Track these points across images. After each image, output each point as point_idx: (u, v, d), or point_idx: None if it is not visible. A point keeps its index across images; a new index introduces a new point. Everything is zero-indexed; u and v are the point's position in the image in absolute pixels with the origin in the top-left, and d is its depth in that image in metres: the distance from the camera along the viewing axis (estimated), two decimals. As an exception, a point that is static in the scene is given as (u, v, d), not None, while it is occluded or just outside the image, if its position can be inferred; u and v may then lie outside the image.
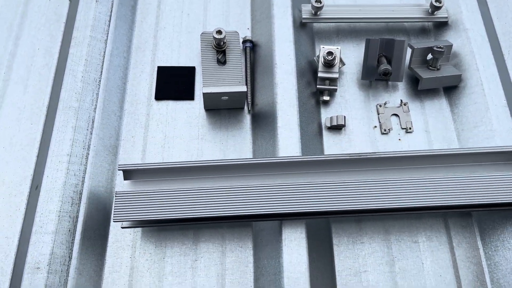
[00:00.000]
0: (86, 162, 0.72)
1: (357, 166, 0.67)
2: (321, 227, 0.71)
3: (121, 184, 0.71)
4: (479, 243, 0.68)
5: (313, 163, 0.67)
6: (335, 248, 0.69)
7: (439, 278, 0.67)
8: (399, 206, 0.64)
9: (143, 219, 0.64)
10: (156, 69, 0.84)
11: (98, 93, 0.78)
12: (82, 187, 0.70)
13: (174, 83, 0.83)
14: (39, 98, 0.80)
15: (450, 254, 0.68)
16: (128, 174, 0.66)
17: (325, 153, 0.76)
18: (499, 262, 0.66)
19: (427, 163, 0.67)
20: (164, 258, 0.69)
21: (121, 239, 0.70)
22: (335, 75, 0.78)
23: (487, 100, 0.75)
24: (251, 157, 0.76)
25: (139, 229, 0.71)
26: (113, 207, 0.66)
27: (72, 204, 0.68)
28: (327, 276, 0.67)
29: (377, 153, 0.66)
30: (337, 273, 0.68)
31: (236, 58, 0.80)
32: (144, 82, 0.83)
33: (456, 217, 0.71)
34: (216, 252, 0.69)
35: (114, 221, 0.63)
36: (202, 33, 0.81)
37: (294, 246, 0.64)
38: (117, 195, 0.65)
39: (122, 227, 0.67)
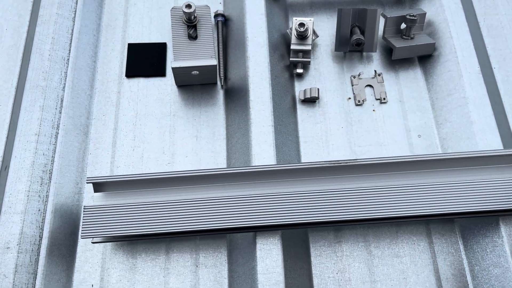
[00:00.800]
0: (56, 142, 0.71)
1: (334, 173, 0.65)
2: (298, 235, 0.69)
3: (90, 195, 0.70)
4: (462, 249, 0.67)
5: (288, 172, 0.65)
6: (313, 256, 0.67)
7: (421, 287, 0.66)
8: (378, 216, 0.61)
9: (113, 235, 0.62)
10: (126, 46, 0.82)
11: (66, 72, 0.76)
12: (52, 166, 0.69)
13: (145, 60, 0.81)
14: (7, 78, 0.79)
15: (431, 261, 0.67)
16: (98, 186, 0.64)
17: (299, 126, 0.75)
18: (482, 269, 0.65)
19: (407, 169, 0.64)
20: (135, 269, 0.68)
21: (90, 248, 0.69)
22: (308, 47, 0.77)
23: (461, 67, 0.74)
24: (224, 133, 0.75)
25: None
26: (80, 223, 0.65)
27: (41, 184, 0.67)
28: (304, 285, 0.66)
29: (356, 160, 0.63)
30: (314, 281, 0.66)
31: (208, 33, 0.78)
32: (115, 60, 0.81)
33: (438, 223, 0.69)
34: (190, 263, 0.68)
35: (82, 238, 0.61)
36: (172, 8, 0.80)
37: (269, 255, 0.62)
38: (85, 209, 0.63)
39: (93, 242, 0.65)
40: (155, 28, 0.84)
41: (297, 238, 0.68)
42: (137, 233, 0.61)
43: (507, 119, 0.73)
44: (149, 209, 0.62)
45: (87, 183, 0.65)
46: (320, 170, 0.65)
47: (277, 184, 0.64)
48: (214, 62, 0.73)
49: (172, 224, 0.62)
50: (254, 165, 0.67)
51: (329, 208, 0.62)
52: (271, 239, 0.64)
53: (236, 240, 0.69)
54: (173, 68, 0.72)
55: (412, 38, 0.78)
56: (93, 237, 0.62)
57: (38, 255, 0.64)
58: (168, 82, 0.79)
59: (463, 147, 0.70)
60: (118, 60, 0.81)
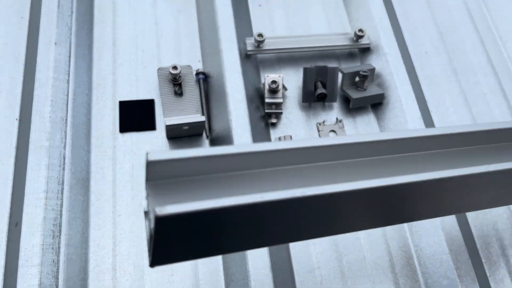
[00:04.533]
0: (62, 197, 0.78)
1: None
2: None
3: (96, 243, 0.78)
4: (408, 233, 0.83)
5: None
6: (291, 251, 0.81)
7: (378, 267, 0.80)
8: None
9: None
10: (117, 103, 0.91)
11: (66, 131, 0.84)
12: (61, 219, 0.76)
13: (136, 116, 0.90)
14: (6, 138, 0.85)
15: (385, 245, 0.82)
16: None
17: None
18: (424, 247, 0.80)
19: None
20: (143, 276, 0.77)
21: (101, 263, 0.77)
22: (280, 100, 0.90)
23: (405, 113, 0.89)
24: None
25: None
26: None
27: (53, 237, 0.74)
28: (287, 276, 0.78)
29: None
30: (295, 272, 0.79)
31: (192, 90, 0.89)
32: (107, 116, 0.90)
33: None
34: (190, 265, 0.78)
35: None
36: (158, 69, 0.90)
37: (257, 253, 0.75)
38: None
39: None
40: (142, 86, 0.94)
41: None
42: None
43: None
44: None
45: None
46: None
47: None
48: (202, 118, 0.84)
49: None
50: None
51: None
52: (264, 271, 0.75)
53: (231, 273, 0.80)
54: (167, 126, 0.83)
55: (365, 90, 0.93)
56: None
57: (56, 302, 0.71)
58: (159, 135, 0.89)
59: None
60: (111, 116, 0.90)
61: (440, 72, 1.00)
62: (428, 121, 0.93)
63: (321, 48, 0.98)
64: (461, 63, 1.01)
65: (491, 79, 1.00)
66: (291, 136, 0.89)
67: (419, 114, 0.90)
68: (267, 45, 0.96)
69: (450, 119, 0.95)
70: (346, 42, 0.99)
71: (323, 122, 0.92)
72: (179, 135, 0.88)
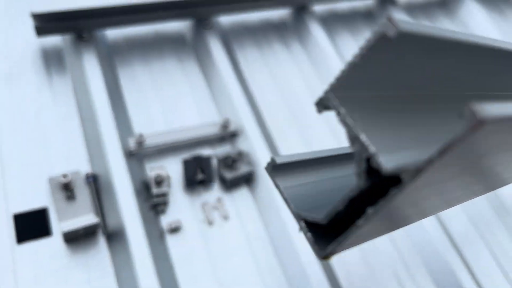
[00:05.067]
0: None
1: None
2: None
3: None
4: None
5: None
6: None
7: None
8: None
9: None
10: (12, 216, 0.97)
11: (-39, 253, 0.87)
12: None
13: (31, 225, 0.97)
14: None
15: None
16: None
17: (171, 252, 1.00)
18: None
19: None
20: None
21: None
22: (166, 190, 1.04)
23: (273, 188, 1.08)
24: (111, 270, 0.95)
25: None
26: None
27: None
28: None
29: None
30: None
31: (83, 193, 0.99)
32: (3, 229, 0.95)
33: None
34: None
35: None
36: (49, 178, 0.98)
37: None
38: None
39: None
40: (35, 195, 1.01)
41: None
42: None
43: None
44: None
45: None
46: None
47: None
48: (96, 219, 0.94)
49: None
50: (144, 294, 0.89)
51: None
52: None
53: None
54: (63, 232, 0.91)
55: (237, 169, 1.11)
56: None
57: None
58: (56, 240, 0.96)
59: (284, 241, 1.03)
60: (7, 229, 0.95)
61: (296, 142, 1.22)
62: (292, 187, 1.13)
63: (196, 139, 1.15)
64: (311, 135, 1.25)
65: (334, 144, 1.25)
66: (179, 220, 1.02)
67: (283, 183, 1.10)
68: (148, 142, 1.10)
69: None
70: (217, 130, 1.17)
71: (206, 202, 1.08)
72: (76, 236, 0.97)
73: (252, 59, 1.36)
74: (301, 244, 1.02)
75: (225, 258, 1.02)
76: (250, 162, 1.14)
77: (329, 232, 0.35)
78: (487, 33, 1.65)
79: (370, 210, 0.30)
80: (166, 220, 1.04)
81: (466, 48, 0.33)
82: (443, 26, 1.67)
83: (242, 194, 1.11)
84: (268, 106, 1.28)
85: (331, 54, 1.37)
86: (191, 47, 1.34)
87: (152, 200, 1.04)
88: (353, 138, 0.29)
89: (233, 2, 1.34)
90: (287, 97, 1.31)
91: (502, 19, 1.82)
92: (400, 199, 0.29)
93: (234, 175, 1.09)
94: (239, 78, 1.28)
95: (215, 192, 1.10)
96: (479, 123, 0.23)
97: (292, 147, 1.21)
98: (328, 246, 0.35)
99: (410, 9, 1.65)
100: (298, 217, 0.38)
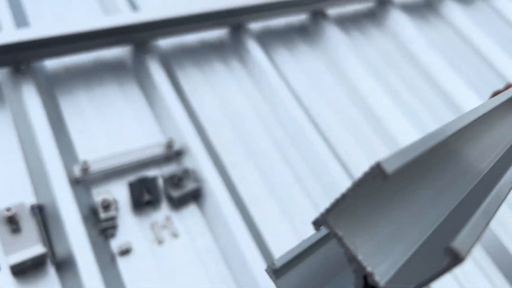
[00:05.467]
0: None
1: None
2: None
3: None
4: None
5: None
6: None
7: None
8: None
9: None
10: (-46, 255, 0.95)
11: None
12: None
13: (-24, 262, 0.96)
14: None
15: None
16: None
17: (123, 277, 1.01)
18: None
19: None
20: None
21: None
22: (113, 214, 1.05)
23: (218, 199, 1.12)
24: (64, 299, 0.95)
25: None
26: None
27: None
28: None
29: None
30: None
31: (29, 224, 0.99)
32: None
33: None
34: None
35: None
36: (-8, 213, 0.98)
37: None
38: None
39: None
40: (-22, 231, 1.00)
41: None
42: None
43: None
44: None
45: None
46: None
47: None
48: (43, 249, 0.94)
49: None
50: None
51: None
52: None
53: None
54: (11, 266, 0.90)
55: (184, 187, 1.14)
56: None
57: None
58: (4, 274, 0.95)
59: (234, 252, 1.07)
60: (-51, 269, 0.94)
61: (240, 156, 1.27)
62: (237, 200, 1.18)
63: (142, 161, 1.17)
64: (255, 148, 1.30)
65: (279, 155, 1.30)
66: (130, 242, 1.04)
67: (229, 195, 1.14)
68: (93, 168, 1.11)
69: (254, 191, 1.21)
70: (162, 150, 1.20)
71: (155, 222, 1.10)
72: (25, 268, 0.96)
73: (194, 79, 1.41)
74: (250, 254, 1.06)
75: (177, 274, 1.04)
76: (196, 179, 1.17)
77: None
78: (414, 40, 1.78)
79: None
80: (115, 244, 1.05)
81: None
82: (373, 36, 1.78)
83: (190, 210, 1.15)
84: (211, 123, 1.32)
85: (269, 69, 1.44)
86: (131, 72, 1.37)
87: (101, 225, 1.05)
88: (351, 258, 0.33)
89: (170, 25, 1.39)
90: (230, 113, 1.36)
91: (427, 25, 1.96)
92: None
93: (181, 193, 1.12)
94: (181, 99, 1.31)
95: (163, 211, 1.13)
96: (460, 261, 0.30)
97: (237, 162, 1.26)
98: None
99: (342, 22, 1.75)
100: None
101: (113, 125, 1.25)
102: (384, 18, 1.85)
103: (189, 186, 1.15)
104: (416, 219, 0.39)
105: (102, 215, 1.04)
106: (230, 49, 1.52)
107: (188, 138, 1.22)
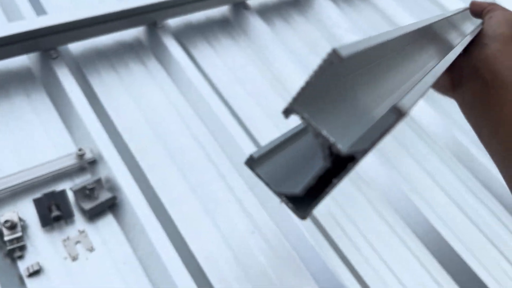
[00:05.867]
0: None
1: None
2: None
3: None
4: None
5: None
6: None
7: None
8: None
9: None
10: None
11: None
12: None
13: None
14: None
15: None
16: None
17: (32, 297, 0.96)
18: None
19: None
20: None
21: None
22: (19, 234, 0.99)
23: (134, 207, 1.08)
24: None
25: None
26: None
27: None
28: None
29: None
30: None
31: None
32: None
33: None
34: None
35: None
36: None
37: None
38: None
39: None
40: None
41: None
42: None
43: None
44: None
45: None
46: None
47: None
48: None
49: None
50: None
51: None
52: None
53: None
54: None
55: (97, 197, 1.09)
56: None
57: None
58: None
59: (153, 260, 1.03)
60: None
61: (160, 158, 1.23)
62: (157, 204, 1.14)
63: (51, 174, 1.11)
64: (176, 147, 1.27)
65: (204, 160, 1.27)
66: (38, 263, 0.98)
67: (147, 201, 1.10)
68: (-4, 187, 1.05)
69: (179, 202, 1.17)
70: (74, 161, 1.14)
71: (67, 237, 1.05)
72: None
73: (108, 82, 1.35)
74: (170, 261, 1.03)
75: (93, 290, 0.99)
76: (111, 188, 1.13)
77: (304, 197, 0.45)
78: (340, 26, 1.78)
79: (335, 180, 0.41)
80: (24, 265, 0.99)
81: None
82: (297, 24, 1.77)
83: (106, 221, 1.10)
84: (128, 126, 1.27)
85: (188, 66, 1.40)
86: (39, 80, 1.29)
87: (6, 248, 0.99)
88: (317, 134, 0.37)
89: (77, 28, 1.32)
90: (148, 114, 1.32)
91: (353, 10, 1.96)
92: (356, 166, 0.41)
93: (94, 205, 1.07)
94: (93, 104, 1.25)
95: (76, 225, 1.08)
96: (403, 116, 0.36)
97: (156, 164, 1.22)
98: (307, 210, 0.45)
99: (264, 12, 1.73)
100: (280, 194, 0.46)
101: (21, 139, 1.18)
102: (308, 5, 1.84)
103: (103, 196, 1.10)
104: (374, 98, 0.47)
105: (6, 236, 0.98)
106: (147, 48, 1.47)
107: (101, 145, 1.16)
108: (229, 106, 1.40)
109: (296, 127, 0.56)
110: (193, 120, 1.34)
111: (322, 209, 1.24)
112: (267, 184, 0.49)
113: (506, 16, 0.75)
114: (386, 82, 0.52)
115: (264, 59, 1.58)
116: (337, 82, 0.42)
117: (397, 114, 0.36)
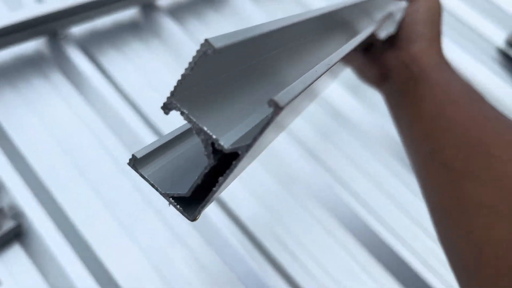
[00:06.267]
0: None
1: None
2: None
3: None
4: None
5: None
6: None
7: None
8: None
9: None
10: None
11: None
12: None
13: None
14: None
15: None
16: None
17: None
18: None
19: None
20: None
21: None
22: None
23: (44, 234, 1.03)
24: None
25: None
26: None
27: None
28: None
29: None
30: None
31: None
32: None
33: None
34: None
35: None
36: None
37: None
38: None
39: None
40: None
41: None
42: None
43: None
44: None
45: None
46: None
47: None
48: None
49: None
50: None
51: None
52: None
53: None
54: None
55: (0, 228, 1.02)
56: None
57: None
58: None
59: None
60: None
61: (69, 177, 1.17)
62: (67, 226, 1.09)
63: None
64: (86, 163, 1.21)
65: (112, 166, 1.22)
66: None
67: (55, 225, 1.05)
68: None
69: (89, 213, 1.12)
70: (-29, 191, 1.06)
71: (-32, 275, 0.98)
72: None
73: (8, 101, 1.27)
74: (82, 284, 0.98)
75: (1, 327, 0.94)
76: (16, 215, 1.06)
77: (193, 198, 0.42)
78: (255, 18, 1.76)
79: (221, 179, 0.38)
80: None
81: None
82: (212, 22, 1.74)
83: (13, 252, 1.04)
84: (32, 147, 1.20)
85: (94, 75, 1.34)
86: None
87: None
88: (198, 130, 0.36)
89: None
90: (54, 132, 1.25)
91: (272, 1, 1.95)
92: (242, 163, 0.38)
93: (-5, 236, 1.01)
94: (-9, 128, 1.18)
95: (-22, 260, 1.01)
96: (280, 109, 0.34)
97: (66, 184, 1.16)
98: (195, 211, 0.42)
99: (176, 11, 1.68)
100: (166, 196, 0.43)
101: None
102: (222, 1, 1.81)
103: (6, 225, 1.03)
104: (264, 92, 0.44)
105: None
106: (50, 60, 1.39)
107: (2, 172, 1.09)
108: (142, 114, 1.36)
109: (185, 124, 0.51)
110: (104, 132, 1.28)
111: (248, 211, 1.24)
112: (153, 185, 0.45)
113: (428, 4, 0.78)
114: (279, 75, 0.49)
115: (178, 60, 1.54)
116: (220, 75, 0.40)
117: (275, 107, 0.34)
